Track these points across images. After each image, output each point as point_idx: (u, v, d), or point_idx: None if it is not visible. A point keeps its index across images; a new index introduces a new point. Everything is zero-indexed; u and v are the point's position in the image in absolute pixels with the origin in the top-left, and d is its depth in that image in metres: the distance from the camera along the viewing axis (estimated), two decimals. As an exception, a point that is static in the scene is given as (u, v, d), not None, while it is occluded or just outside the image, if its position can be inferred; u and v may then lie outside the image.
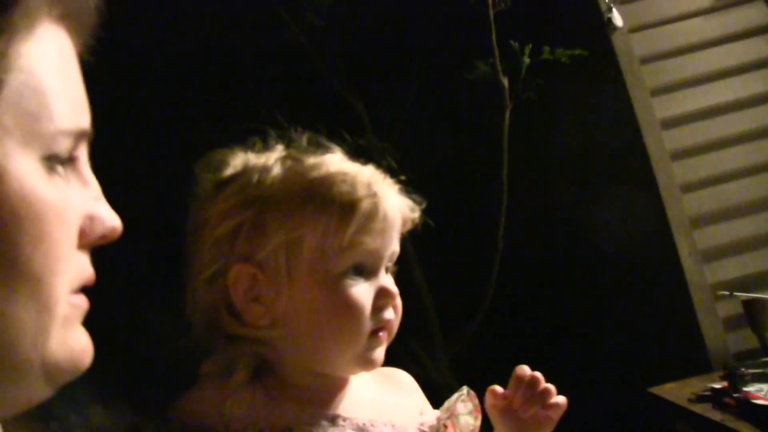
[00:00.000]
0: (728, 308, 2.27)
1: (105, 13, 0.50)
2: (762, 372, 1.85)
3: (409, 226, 0.84)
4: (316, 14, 2.33)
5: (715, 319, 2.27)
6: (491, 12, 2.41)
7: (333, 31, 2.40)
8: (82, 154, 0.48)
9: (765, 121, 2.41)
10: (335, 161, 0.81)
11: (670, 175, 2.41)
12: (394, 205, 0.80)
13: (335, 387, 0.82)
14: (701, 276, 2.31)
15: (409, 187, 0.85)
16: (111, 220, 0.50)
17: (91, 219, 0.48)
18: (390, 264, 0.82)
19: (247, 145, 0.85)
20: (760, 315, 2.12)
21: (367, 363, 0.80)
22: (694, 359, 2.26)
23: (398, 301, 0.82)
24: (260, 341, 0.77)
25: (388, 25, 2.52)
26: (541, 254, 2.47)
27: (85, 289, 0.49)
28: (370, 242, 0.77)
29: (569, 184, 2.59)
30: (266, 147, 0.84)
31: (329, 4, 2.36)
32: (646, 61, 2.50)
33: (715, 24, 2.50)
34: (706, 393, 1.87)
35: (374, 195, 0.77)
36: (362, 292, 0.77)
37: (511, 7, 2.43)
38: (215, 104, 2.42)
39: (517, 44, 2.39)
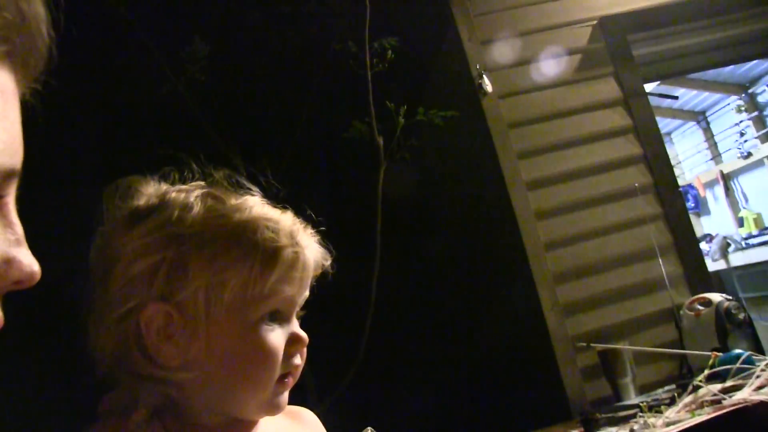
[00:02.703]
0: (586, 359, 2.40)
1: (56, 59, 0.49)
2: (613, 416, 1.97)
3: (319, 272, 0.83)
4: (197, 68, 2.34)
5: (574, 369, 2.39)
6: (369, 73, 2.51)
7: (214, 86, 2.42)
8: (10, 195, 0.46)
9: (617, 185, 2.62)
10: (257, 204, 0.79)
11: (534, 234, 2.55)
12: (312, 254, 0.80)
13: (240, 427, 0.80)
14: (562, 329, 2.43)
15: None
16: (29, 266, 0.47)
17: (7, 263, 0.45)
18: (298, 309, 0.82)
19: (160, 173, 0.82)
20: (613, 364, 2.27)
21: (272, 408, 0.79)
22: (556, 407, 2.36)
23: (305, 348, 0.81)
24: (168, 381, 0.74)
25: (269, 83, 2.57)
26: (412, 307, 2.53)
27: None
28: (289, 290, 0.76)
29: (441, 241, 2.70)
30: (182, 178, 0.82)
31: (206, 57, 2.37)
32: (513, 125, 2.66)
33: (574, 95, 2.72)
34: (566, 440, 1.97)
35: (296, 244, 0.77)
36: (277, 338, 0.76)
37: (389, 70, 2.54)
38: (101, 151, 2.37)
39: (393, 105, 2.49)
